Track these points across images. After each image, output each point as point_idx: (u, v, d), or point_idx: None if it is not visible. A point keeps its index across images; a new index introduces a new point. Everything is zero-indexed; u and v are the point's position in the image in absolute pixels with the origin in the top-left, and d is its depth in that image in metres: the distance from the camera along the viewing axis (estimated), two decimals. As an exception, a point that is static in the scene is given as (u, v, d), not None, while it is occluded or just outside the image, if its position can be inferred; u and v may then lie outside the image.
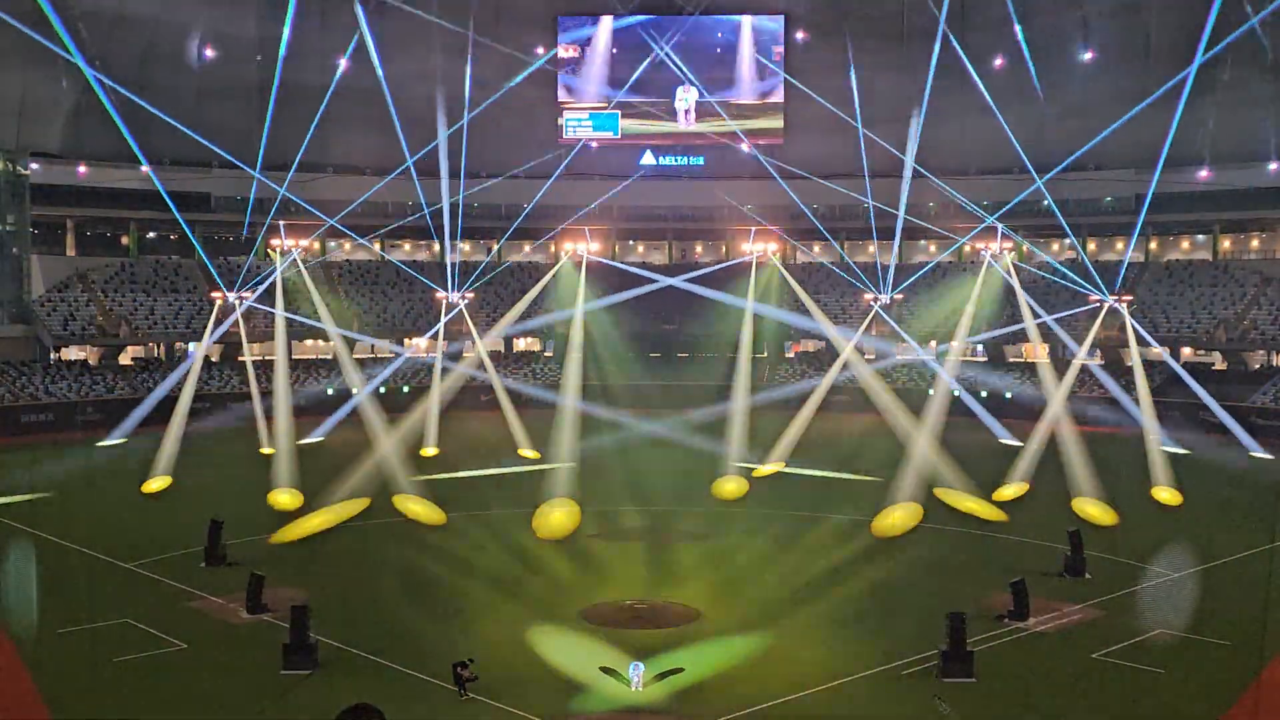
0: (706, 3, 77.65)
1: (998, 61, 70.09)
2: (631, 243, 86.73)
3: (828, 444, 52.40)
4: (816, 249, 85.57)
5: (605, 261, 71.57)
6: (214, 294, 64.68)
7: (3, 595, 29.50)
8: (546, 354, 77.54)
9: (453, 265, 65.55)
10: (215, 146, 57.05)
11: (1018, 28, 61.84)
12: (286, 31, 52.58)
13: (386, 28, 76.68)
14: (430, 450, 51.38)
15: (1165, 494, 40.96)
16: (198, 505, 37.98)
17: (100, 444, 53.69)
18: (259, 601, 27.13)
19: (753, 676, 23.10)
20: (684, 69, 76.78)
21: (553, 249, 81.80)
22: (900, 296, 70.03)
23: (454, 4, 75.60)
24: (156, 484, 42.92)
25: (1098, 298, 57.10)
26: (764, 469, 45.64)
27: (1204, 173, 69.68)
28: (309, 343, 73.85)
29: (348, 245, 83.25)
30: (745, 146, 75.75)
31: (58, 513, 38.54)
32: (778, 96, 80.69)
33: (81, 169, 71.51)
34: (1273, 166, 69.75)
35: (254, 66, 71.31)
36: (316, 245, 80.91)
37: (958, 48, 52.16)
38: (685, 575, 30.75)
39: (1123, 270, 63.59)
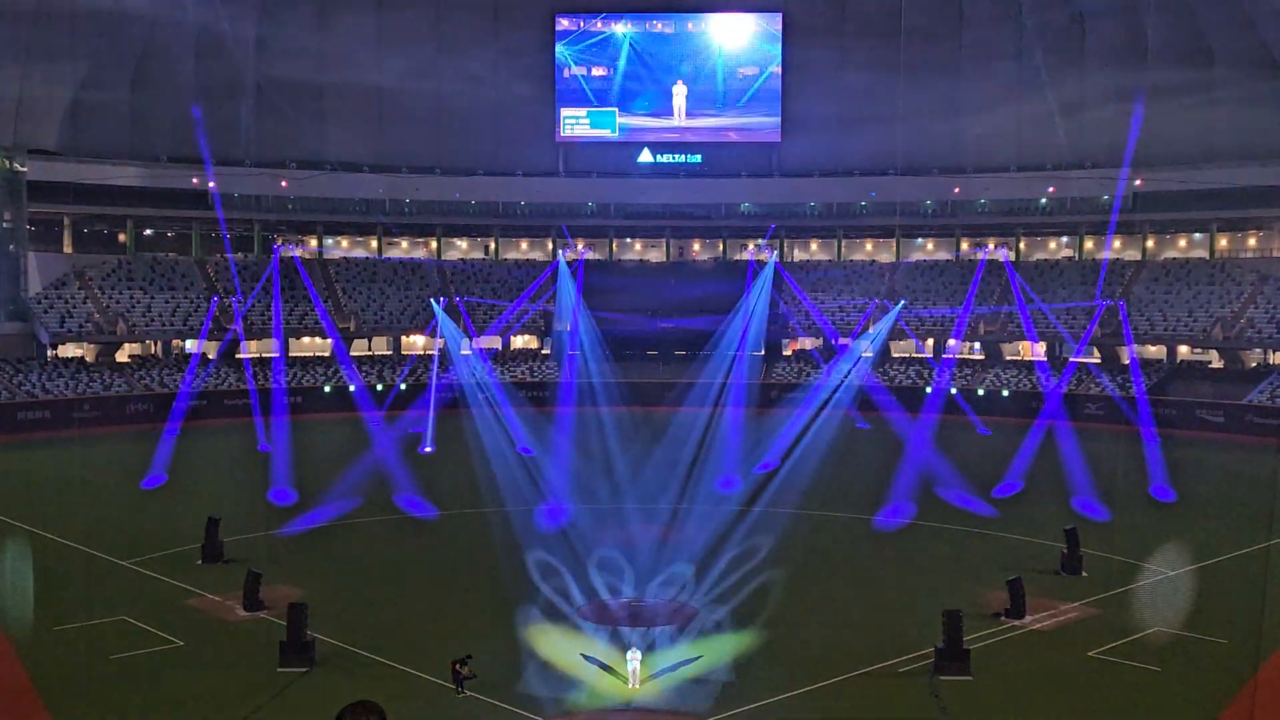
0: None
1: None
2: (629, 241, 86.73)
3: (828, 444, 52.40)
4: (814, 246, 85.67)
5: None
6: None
7: (0, 593, 29.47)
8: (544, 351, 77.54)
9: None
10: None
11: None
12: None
13: (384, 26, 76.79)
14: (426, 449, 51.34)
15: (1162, 492, 41.05)
16: (195, 503, 38.06)
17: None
18: (256, 599, 27.12)
19: (749, 673, 23.10)
20: (677, 69, 77.08)
21: (550, 246, 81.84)
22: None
23: (451, 2, 75.63)
24: (153, 482, 42.91)
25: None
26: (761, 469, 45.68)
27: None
28: (305, 340, 73.83)
29: (345, 242, 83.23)
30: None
31: (55, 510, 38.49)
32: (763, 110, 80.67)
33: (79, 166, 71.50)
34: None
35: (251, 66, 71.40)
36: (314, 243, 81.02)
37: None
38: (683, 573, 30.71)
39: (1104, 269, 63.85)
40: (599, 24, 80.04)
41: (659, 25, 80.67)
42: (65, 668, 23.59)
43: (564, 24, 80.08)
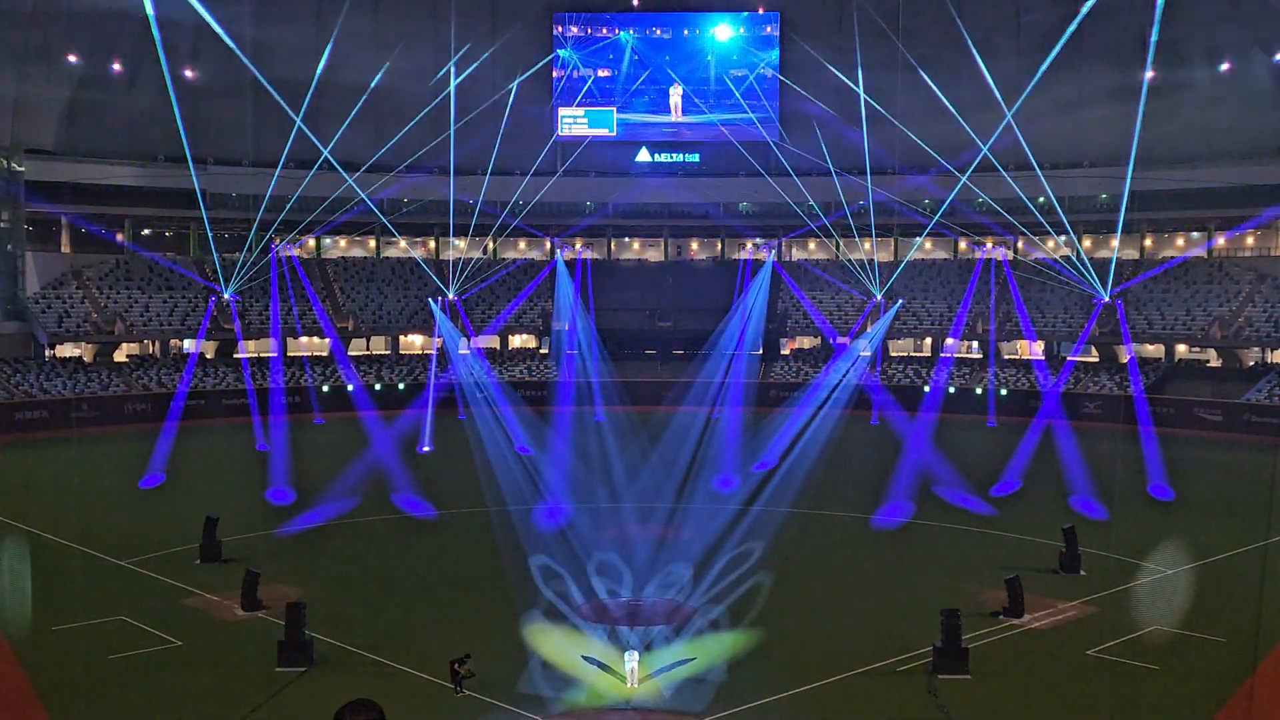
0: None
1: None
2: (627, 240, 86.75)
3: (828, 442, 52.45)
4: (812, 245, 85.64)
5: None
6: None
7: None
8: (542, 350, 77.54)
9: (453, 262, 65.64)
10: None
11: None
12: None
13: (382, 24, 76.70)
14: (424, 448, 51.39)
15: (1161, 491, 41.10)
16: (193, 502, 38.04)
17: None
18: (254, 598, 27.10)
19: (747, 672, 23.10)
20: (674, 72, 77.13)
21: (548, 246, 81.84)
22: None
23: (449, 2, 75.37)
24: (151, 481, 42.91)
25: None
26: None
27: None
28: (304, 340, 73.78)
29: (343, 242, 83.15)
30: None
31: (53, 509, 38.46)
32: (760, 109, 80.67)
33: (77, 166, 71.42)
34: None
35: (248, 65, 71.26)
36: (312, 243, 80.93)
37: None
38: (681, 572, 30.72)
39: (1112, 268, 63.91)
40: (604, 29, 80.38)
41: (658, 31, 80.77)
42: (63, 668, 23.54)
43: (573, 30, 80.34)
